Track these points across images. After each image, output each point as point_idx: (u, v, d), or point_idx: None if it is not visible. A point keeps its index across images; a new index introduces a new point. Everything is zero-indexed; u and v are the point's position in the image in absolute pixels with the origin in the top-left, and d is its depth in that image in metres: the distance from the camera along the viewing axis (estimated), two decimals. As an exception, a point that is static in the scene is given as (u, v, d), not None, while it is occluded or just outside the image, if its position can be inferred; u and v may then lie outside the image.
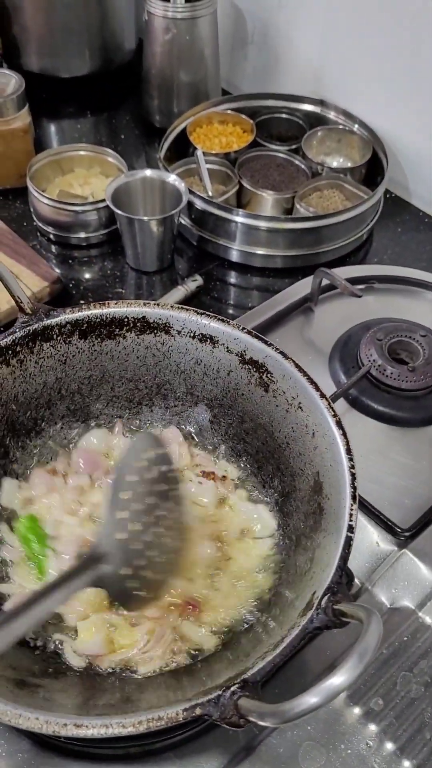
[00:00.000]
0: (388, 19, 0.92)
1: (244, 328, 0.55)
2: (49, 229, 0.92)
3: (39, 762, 0.50)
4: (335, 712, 0.53)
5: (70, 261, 0.92)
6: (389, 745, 0.52)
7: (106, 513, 0.45)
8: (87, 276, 0.91)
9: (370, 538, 0.62)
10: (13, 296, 0.54)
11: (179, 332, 0.57)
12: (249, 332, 0.55)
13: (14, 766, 0.50)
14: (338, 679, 0.35)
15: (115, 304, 0.56)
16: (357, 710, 0.53)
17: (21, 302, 0.54)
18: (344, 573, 0.44)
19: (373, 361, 0.70)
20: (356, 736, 0.52)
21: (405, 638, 0.57)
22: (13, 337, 0.53)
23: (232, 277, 0.91)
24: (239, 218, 0.87)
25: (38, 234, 0.95)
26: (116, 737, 0.48)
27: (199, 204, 0.89)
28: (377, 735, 0.52)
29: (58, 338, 0.56)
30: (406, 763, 0.51)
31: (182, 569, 0.51)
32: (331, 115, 1.02)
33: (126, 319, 0.56)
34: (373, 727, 0.52)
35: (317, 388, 0.51)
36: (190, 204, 0.89)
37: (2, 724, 0.51)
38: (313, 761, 0.51)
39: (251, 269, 0.91)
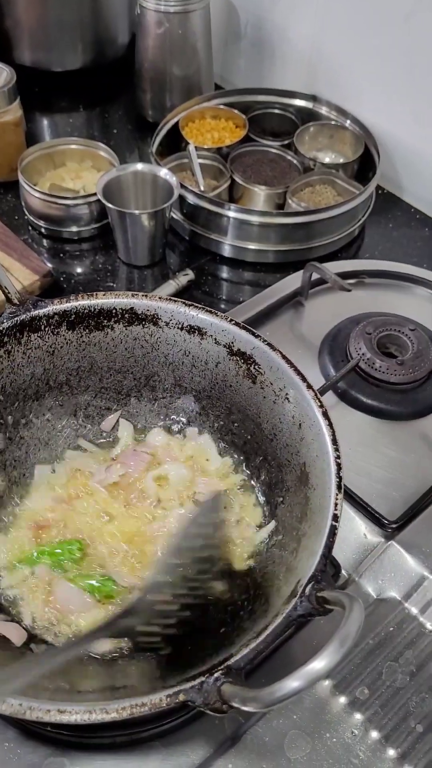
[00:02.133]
0: (383, 15, 0.92)
1: (232, 320, 0.55)
2: (41, 223, 0.92)
3: (25, 751, 0.50)
4: (321, 701, 0.53)
5: (62, 255, 0.92)
6: (374, 734, 0.52)
7: (153, 573, 0.46)
8: (78, 270, 0.91)
9: (358, 529, 0.63)
10: (0, 287, 0.54)
11: (167, 324, 0.57)
12: (237, 323, 0.55)
13: (1, 755, 0.50)
14: (319, 664, 0.35)
15: (103, 295, 0.56)
16: (342, 699, 0.54)
17: (8, 293, 0.54)
18: (328, 561, 0.44)
19: (362, 354, 0.70)
20: (342, 725, 0.52)
21: (391, 629, 0.57)
22: (0, 328, 0.53)
23: (224, 272, 0.91)
24: (231, 213, 0.87)
25: (29, 228, 0.95)
26: (103, 725, 0.49)
27: (191, 198, 0.89)
28: (362, 724, 0.52)
29: (46, 329, 0.56)
30: (391, 752, 0.51)
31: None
32: (324, 110, 1.02)
33: (114, 311, 0.56)
34: (358, 716, 0.53)
35: (304, 379, 0.52)
36: (182, 198, 0.89)
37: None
38: (299, 750, 0.51)
39: (243, 264, 0.91)
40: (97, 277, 0.90)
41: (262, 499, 0.57)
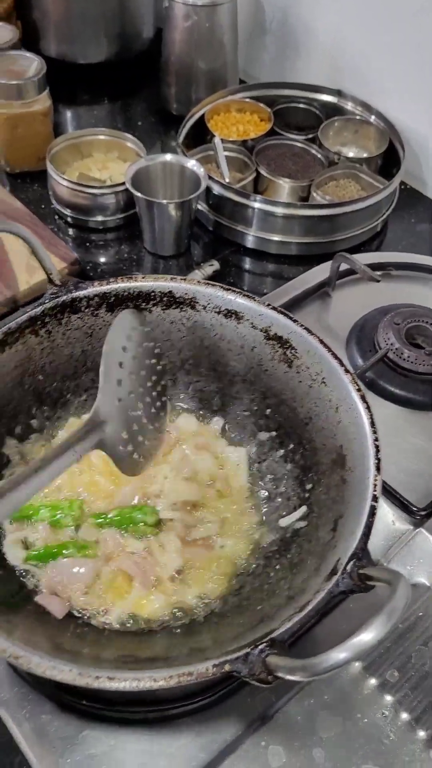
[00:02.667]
0: (409, 9, 0.93)
1: (269, 304, 0.56)
2: (67, 212, 0.93)
3: (61, 724, 0.51)
4: (352, 683, 0.54)
5: (87, 244, 0.93)
6: (404, 716, 0.53)
7: (102, 380, 0.48)
8: (103, 259, 0.92)
9: (386, 517, 0.63)
10: (44, 268, 0.55)
11: (205, 307, 0.57)
12: (274, 308, 0.56)
13: (37, 727, 0.51)
14: (368, 636, 0.36)
15: (143, 278, 0.57)
16: (373, 681, 0.54)
17: (51, 274, 0.55)
18: (368, 541, 0.45)
19: (391, 344, 0.71)
20: (372, 706, 0.53)
21: (420, 613, 0.58)
22: (43, 308, 0.54)
23: (247, 263, 0.92)
24: (257, 204, 0.87)
25: (56, 217, 0.96)
26: (137, 701, 0.50)
27: (216, 189, 0.90)
28: (392, 705, 0.53)
29: (86, 310, 0.56)
30: (421, 733, 0.52)
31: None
32: (349, 105, 1.03)
33: (153, 294, 0.57)
34: (388, 698, 0.53)
35: (341, 364, 0.52)
36: (207, 189, 0.90)
37: (28, 686, 0.52)
38: (330, 729, 0.52)
39: (266, 256, 0.92)
40: (123, 267, 0.90)
41: (296, 482, 0.57)
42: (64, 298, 0.55)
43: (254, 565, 0.54)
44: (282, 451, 0.59)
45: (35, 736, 0.51)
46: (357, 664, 0.55)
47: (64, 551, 0.52)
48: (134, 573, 0.51)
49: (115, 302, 0.57)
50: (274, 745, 0.51)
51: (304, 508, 0.54)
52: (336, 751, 0.51)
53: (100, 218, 0.93)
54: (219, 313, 0.57)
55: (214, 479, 0.58)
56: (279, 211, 0.87)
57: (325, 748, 0.51)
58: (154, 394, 0.51)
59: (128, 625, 0.51)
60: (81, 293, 0.56)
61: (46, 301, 0.54)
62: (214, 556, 0.54)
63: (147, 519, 0.54)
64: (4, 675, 0.53)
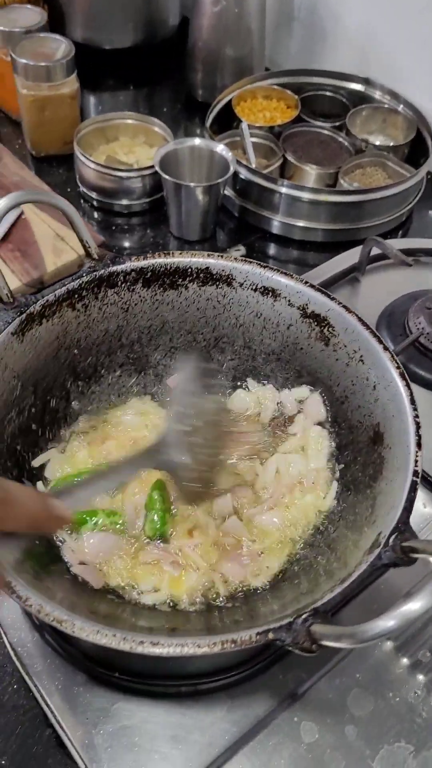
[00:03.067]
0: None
1: (307, 282, 0.56)
2: (93, 195, 0.93)
3: (92, 696, 0.51)
4: (383, 662, 0.54)
5: (113, 228, 0.93)
6: (437, 695, 0.53)
7: (171, 409, 0.51)
8: (128, 243, 0.92)
9: (417, 501, 0.62)
10: (81, 241, 0.55)
11: (241, 284, 0.57)
12: (312, 286, 0.55)
13: (69, 698, 0.51)
14: (415, 605, 0.36)
15: (180, 254, 0.57)
16: (405, 661, 0.54)
17: (89, 248, 0.55)
18: (410, 515, 0.44)
19: (422, 329, 0.71)
20: (404, 686, 0.53)
21: (451, 596, 0.57)
22: (80, 281, 0.54)
23: (272, 249, 0.92)
24: (284, 189, 0.87)
25: (81, 200, 0.96)
26: (170, 674, 0.50)
27: (243, 174, 0.89)
28: (425, 685, 0.53)
29: (123, 285, 0.56)
30: (453, 714, 0.52)
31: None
32: (377, 94, 1.02)
33: (189, 270, 0.57)
34: (421, 678, 0.53)
35: (380, 341, 0.52)
36: (234, 175, 0.90)
37: (60, 658, 0.52)
38: (362, 707, 0.52)
39: (291, 242, 0.92)
40: (148, 251, 0.90)
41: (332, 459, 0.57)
42: (102, 272, 0.55)
43: (298, 547, 0.53)
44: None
45: (67, 708, 0.51)
46: (389, 644, 0.55)
47: (93, 518, 0.52)
48: (161, 558, 0.51)
49: (152, 278, 0.57)
50: (307, 721, 0.51)
51: (335, 486, 0.54)
52: (368, 729, 0.51)
53: (125, 202, 0.93)
54: (255, 290, 0.57)
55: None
56: (306, 196, 0.87)
57: (358, 726, 0.51)
58: (212, 428, 0.51)
59: (162, 602, 0.50)
60: (118, 268, 0.56)
61: (83, 274, 0.54)
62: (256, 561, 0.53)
63: (156, 520, 0.53)
64: (36, 647, 0.53)
